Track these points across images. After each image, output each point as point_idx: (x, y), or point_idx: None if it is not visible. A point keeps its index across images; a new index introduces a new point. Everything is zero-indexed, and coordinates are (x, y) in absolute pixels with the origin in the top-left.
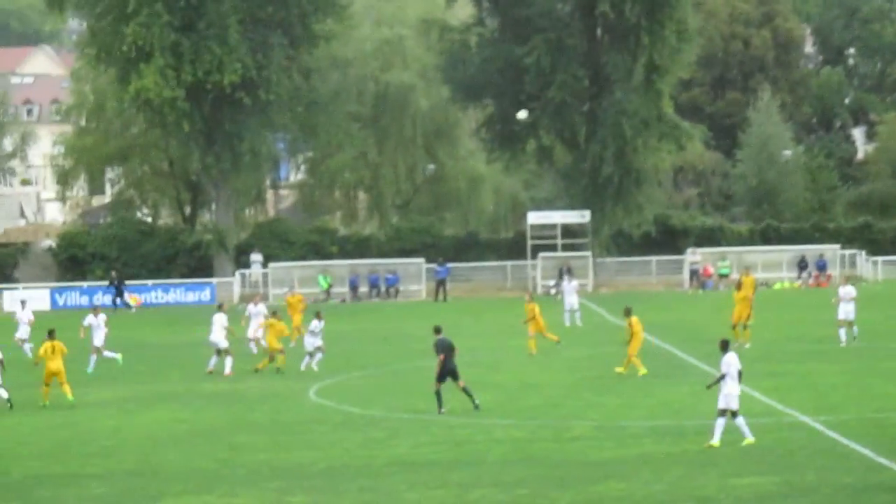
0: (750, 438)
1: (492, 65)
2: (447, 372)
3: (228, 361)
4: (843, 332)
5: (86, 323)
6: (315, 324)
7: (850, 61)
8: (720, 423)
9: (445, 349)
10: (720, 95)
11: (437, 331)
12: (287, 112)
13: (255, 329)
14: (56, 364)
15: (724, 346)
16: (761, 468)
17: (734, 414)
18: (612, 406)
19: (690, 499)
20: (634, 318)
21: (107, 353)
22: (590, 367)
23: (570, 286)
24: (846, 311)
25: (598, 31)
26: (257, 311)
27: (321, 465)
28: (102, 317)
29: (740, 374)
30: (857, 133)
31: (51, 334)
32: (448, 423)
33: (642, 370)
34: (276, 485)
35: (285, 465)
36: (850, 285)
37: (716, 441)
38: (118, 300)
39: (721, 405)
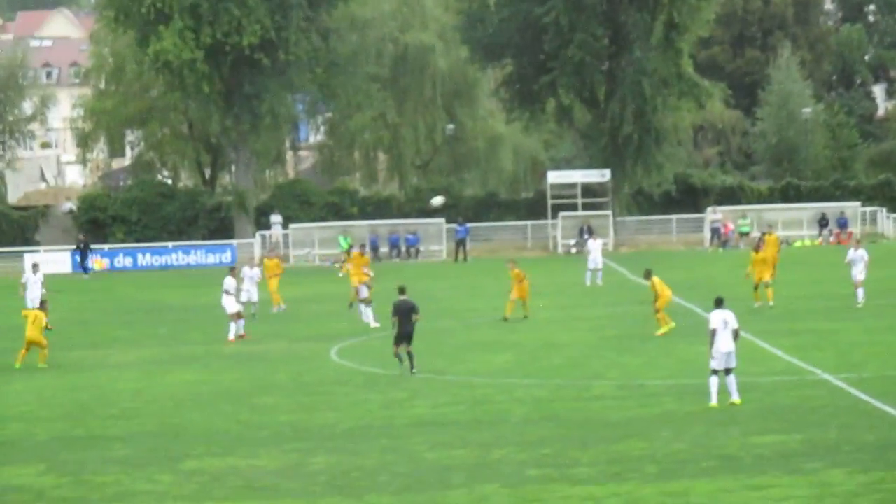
0: (736, 399)
1: (510, 24)
2: (403, 335)
3: (232, 327)
4: (860, 293)
5: (23, 280)
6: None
7: (871, 18)
8: (714, 380)
9: (400, 312)
10: (740, 53)
11: (401, 291)
12: (306, 73)
13: (249, 291)
14: (32, 333)
15: (718, 303)
16: (783, 426)
17: (727, 371)
18: (634, 365)
19: (712, 457)
20: (656, 279)
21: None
22: (611, 326)
23: (595, 244)
24: (857, 272)
25: None
26: (252, 274)
27: (343, 425)
28: (41, 275)
29: (736, 332)
30: (878, 90)
31: (42, 305)
32: (469, 384)
33: (662, 329)
34: (298, 446)
35: (307, 427)
36: (862, 248)
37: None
38: (85, 263)
39: (713, 365)
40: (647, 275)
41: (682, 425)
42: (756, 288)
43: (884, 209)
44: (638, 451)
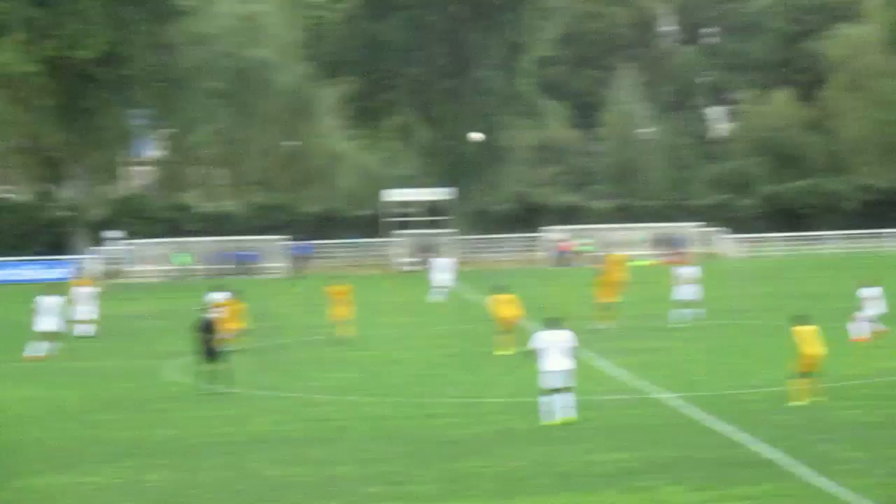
0: (570, 416)
1: (352, 42)
2: (208, 351)
3: (46, 345)
4: (689, 312)
5: None
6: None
7: (709, 40)
8: (553, 399)
9: (201, 328)
10: (580, 73)
11: (204, 309)
12: (147, 88)
13: (85, 311)
14: None
15: (551, 323)
16: (622, 444)
17: (560, 391)
18: (474, 383)
19: (551, 475)
20: (502, 297)
21: None
22: (452, 343)
23: (441, 263)
24: (688, 291)
25: (459, 9)
26: (84, 293)
27: (181, 442)
28: None
29: (572, 351)
30: (716, 111)
31: None
32: (309, 401)
33: (503, 349)
34: (135, 462)
35: (145, 443)
36: (692, 266)
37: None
38: None
39: (545, 383)
40: (495, 291)
41: (522, 443)
42: (602, 308)
43: (721, 229)
44: (477, 469)
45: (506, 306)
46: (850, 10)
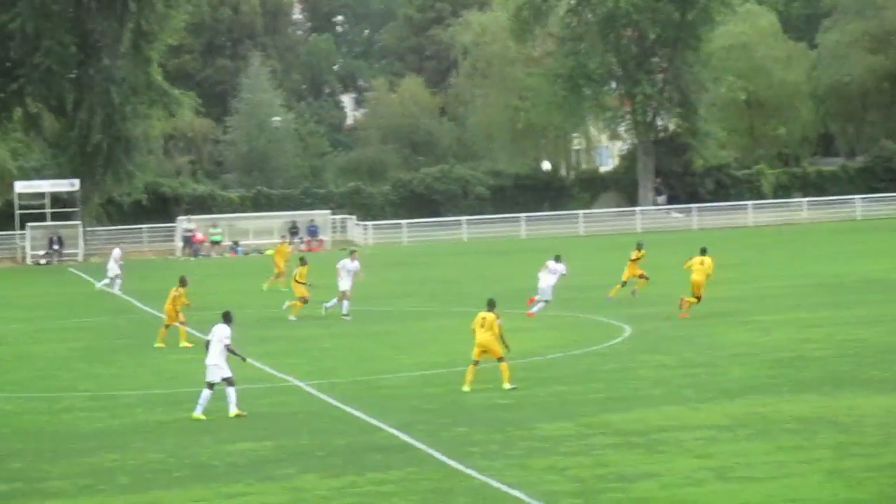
0: (233, 411)
1: None
2: None
3: None
4: (346, 304)
5: None
6: None
7: (339, 28)
8: (205, 395)
9: None
10: (210, 62)
11: None
12: None
13: None
14: None
15: (224, 317)
16: (256, 433)
17: (224, 382)
18: (106, 376)
19: (185, 466)
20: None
21: None
22: (83, 337)
23: (115, 254)
24: (346, 283)
25: None
26: None
27: None
28: None
29: (225, 346)
30: (347, 99)
31: None
32: None
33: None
34: None
35: None
36: (355, 260)
37: (198, 413)
38: None
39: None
40: (182, 282)
41: (155, 435)
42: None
43: (353, 217)
44: (110, 463)
45: (173, 300)
46: None
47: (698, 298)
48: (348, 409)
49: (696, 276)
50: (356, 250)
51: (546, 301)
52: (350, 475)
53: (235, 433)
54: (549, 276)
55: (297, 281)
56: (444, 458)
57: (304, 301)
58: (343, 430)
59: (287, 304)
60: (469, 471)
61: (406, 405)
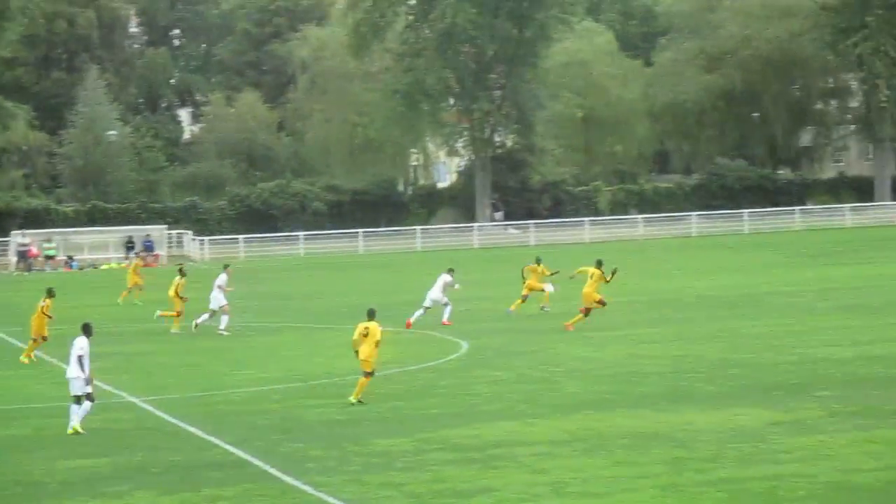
0: (73, 426)
1: None
2: None
3: None
4: (225, 319)
5: None
6: None
7: (176, 42)
8: (73, 408)
9: None
10: (45, 75)
11: None
12: None
13: None
14: None
15: (83, 329)
16: (90, 450)
17: (82, 399)
18: None
19: (17, 484)
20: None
21: None
22: None
23: None
24: (218, 299)
25: None
26: None
27: None
28: None
29: (81, 358)
30: (184, 113)
31: None
32: None
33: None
34: None
35: None
36: (225, 273)
37: (75, 424)
38: None
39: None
40: (50, 293)
41: None
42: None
43: (190, 232)
44: None
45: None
46: (315, 12)
47: (587, 312)
48: (184, 425)
49: (588, 289)
50: (229, 265)
51: (426, 308)
52: (185, 492)
53: (69, 450)
54: (436, 287)
55: (176, 294)
56: (280, 474)
57: (179, 314)
58: (178, 446)
59: (159, 313)
60: (305, 487)
61: (242, 421)
